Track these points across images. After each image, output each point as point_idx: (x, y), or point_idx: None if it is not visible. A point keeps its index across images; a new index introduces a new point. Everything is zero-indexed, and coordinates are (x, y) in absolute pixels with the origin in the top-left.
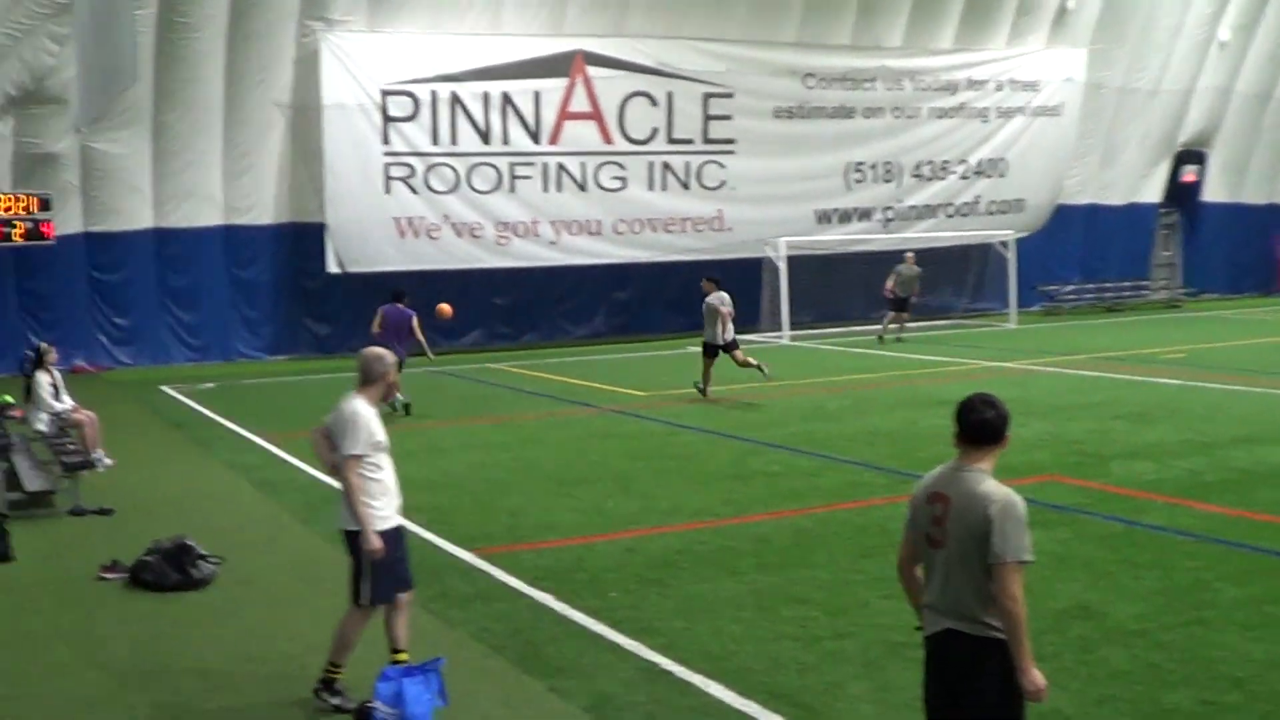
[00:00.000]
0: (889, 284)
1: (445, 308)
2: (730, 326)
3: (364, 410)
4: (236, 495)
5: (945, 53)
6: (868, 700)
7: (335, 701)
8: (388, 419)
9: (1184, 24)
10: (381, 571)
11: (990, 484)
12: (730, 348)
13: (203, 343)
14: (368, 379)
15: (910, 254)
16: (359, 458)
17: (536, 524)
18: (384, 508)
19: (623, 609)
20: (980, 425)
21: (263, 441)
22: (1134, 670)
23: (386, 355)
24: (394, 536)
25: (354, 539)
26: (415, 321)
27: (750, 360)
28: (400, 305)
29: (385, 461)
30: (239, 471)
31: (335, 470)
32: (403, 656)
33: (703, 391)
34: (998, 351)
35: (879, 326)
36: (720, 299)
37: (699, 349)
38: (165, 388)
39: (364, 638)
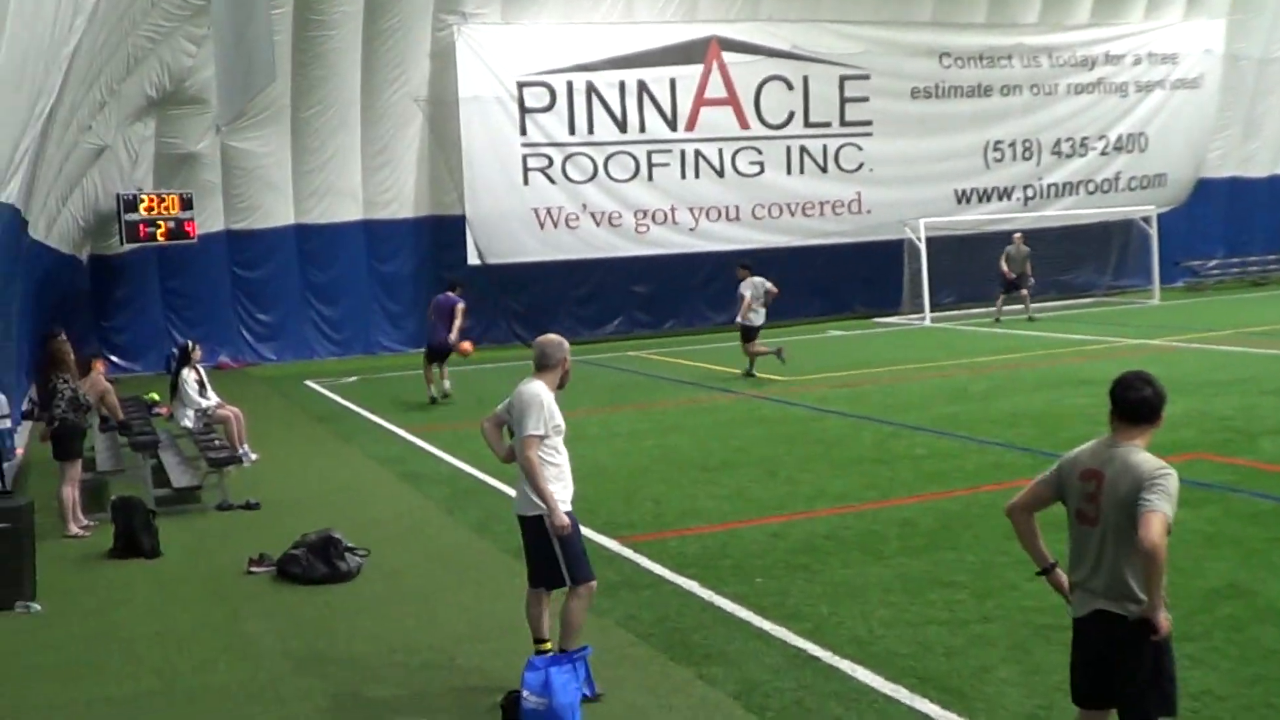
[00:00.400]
0: (1002, 265)
1: (466, 346)
2: (751, 313)
3: (545, 393)
4: (381, 488)
5: (1082, 27)
6: (1015, 684)
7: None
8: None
9: None
10: (579, 547)
11: (1145, 455)
12: (747, 335)
13: (345, 337)
14: (546, 364)
15: (1018, 234)
16: (540, 438)
17: (681, 511)
18: (559, 492)
19: (769, 595)
20: (1137, 403)
21: (406, 434)
22: None
23: (565, 341)
24: (573, 521)
25: (536, 525)
26: (459, 308)
27: (762, 349)
28: (451, 294)
29: (563, 447)
30: (383, 464)
31: (507, 458)
32: (547, 646)
33: (779, 355)
34: (1141, 329)
35: (1015, 307)
36: (749, 284)
37: (840, 333)
38: (308, 382)
39: (509, 627)
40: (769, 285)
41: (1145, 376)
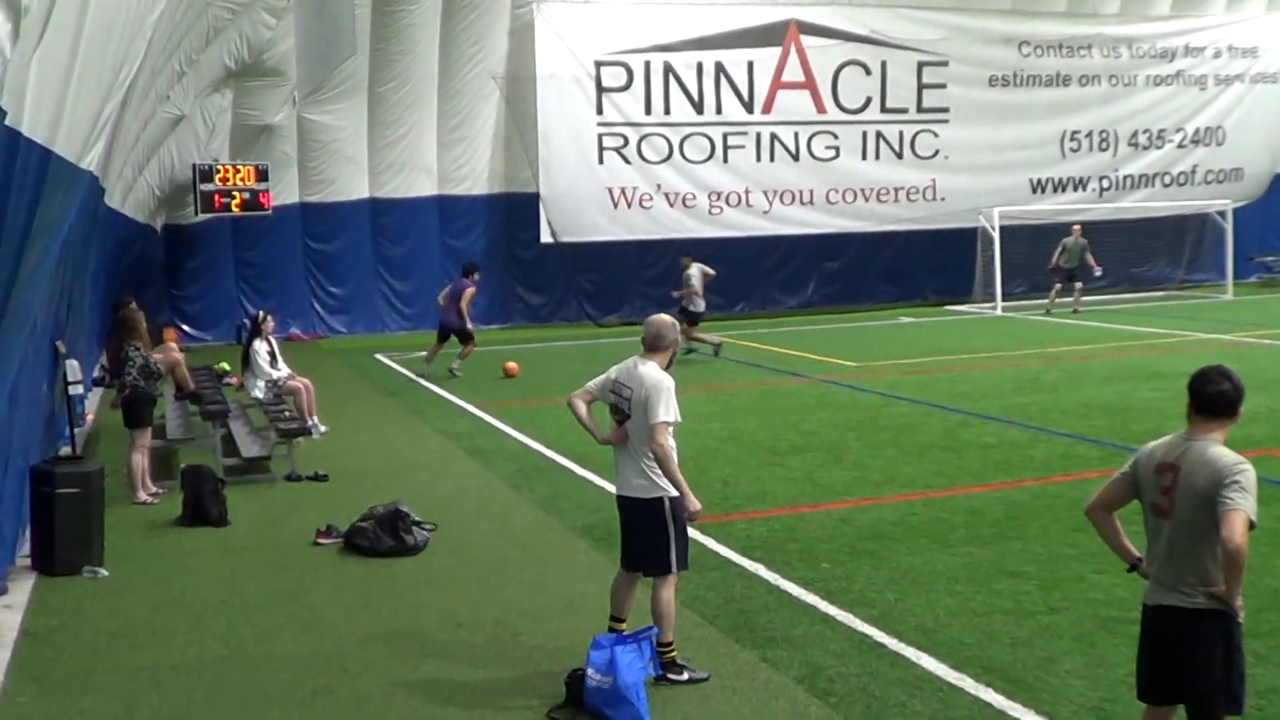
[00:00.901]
0: (1055, 257)
1: (512, 366)
2: (698, 298)
3: (669, 378)
4: (449, 463)
5: (1163, 19)
6: (1080, 676)
7: (686, 677)
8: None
9: None
10: (686, 537)
11: (1222, 449)
12: (693, 320)
13: (416, 312)
14: (659, 345)
15: (1077, 226)
16: (673, 424)
17: (748, 494)
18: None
19: (835, 580)
20: (1216, 397)
21: (475, 410)
22: None
23: (676, 323)
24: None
25: (652, 508)
26: (466, 292)
27: (703, 338)
28: (466, 279)
29: None
30: (451, 439)
31: (609, 440)
32: (623, 626)
33: (715, 351)
34: (1214, 323)
35: (1073, 299)
36: (697, 272)
37: (911, 320)
38: (379, 356)
39: (574, 604)
40: (708, 270)
41: (1224, 370)
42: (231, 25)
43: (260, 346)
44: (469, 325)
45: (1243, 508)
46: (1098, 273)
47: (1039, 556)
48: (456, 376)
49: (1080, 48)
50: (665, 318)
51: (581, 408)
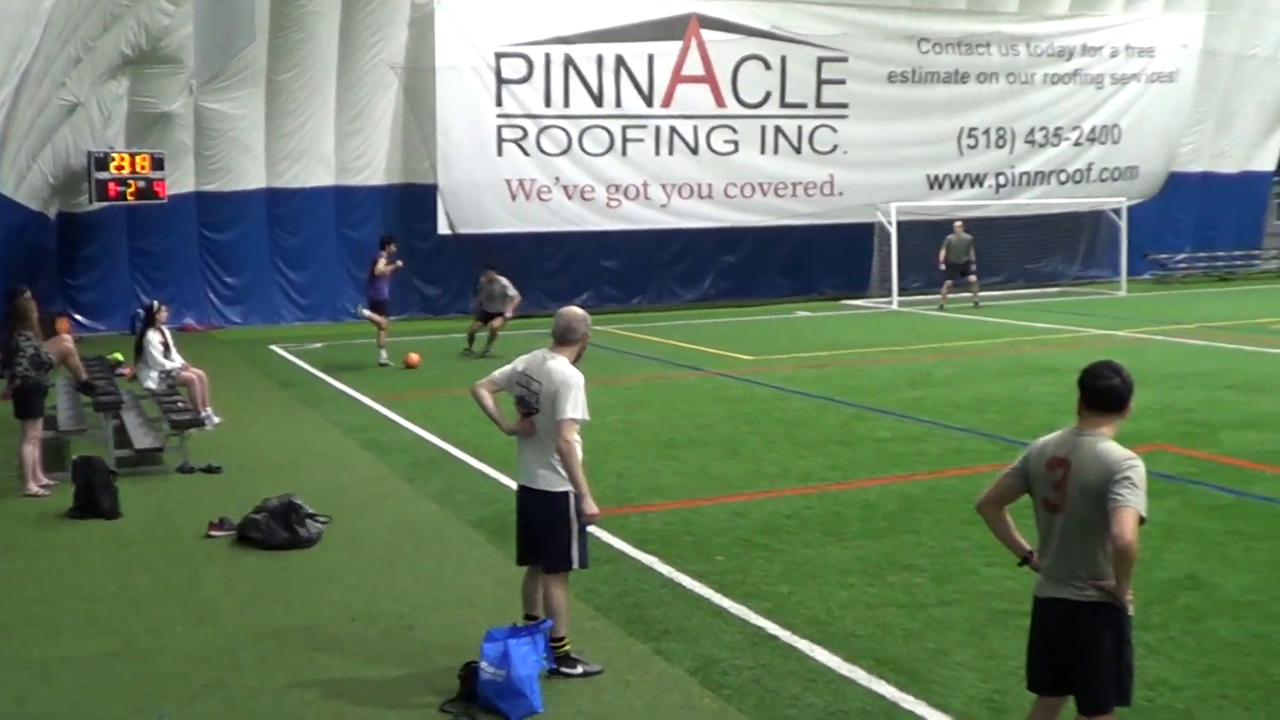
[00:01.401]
0: (941, 254)
1: (414, 357)
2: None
3: (580, 375)
4: (344, 455)
5: (1061, 18)
6: (972, 668)
7: (579, 670)
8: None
9: None
10: (586, 534)
11: (1112, 445)
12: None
13: (312, 303)
14: (570, 338)
15: (959, 222)
16: (581, 422)
17: (643, 487)
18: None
19: (729, 573)
20: (1106, 392)
21: (370, 402)
22: (1242, 641)
23: (588, 315)
24: None
25: (558, 502)
26: (377, 264)
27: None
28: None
29: None
30: (346, 431)
31: (515, 431)
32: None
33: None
34: (1108, 319)
35: (972, 294)
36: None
37: (808, 314)
38: (274, 347)
39: (468, 597)
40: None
41: (1114, 366)
42: (129, 11)
43: (154, 337)
44: (378, 297)
45: (1133, 504)
46: (973, 268)
47: (932, 549)
48: (386, 365)
49: (979, 45)
50: (576, 310)
51: (487, 399)
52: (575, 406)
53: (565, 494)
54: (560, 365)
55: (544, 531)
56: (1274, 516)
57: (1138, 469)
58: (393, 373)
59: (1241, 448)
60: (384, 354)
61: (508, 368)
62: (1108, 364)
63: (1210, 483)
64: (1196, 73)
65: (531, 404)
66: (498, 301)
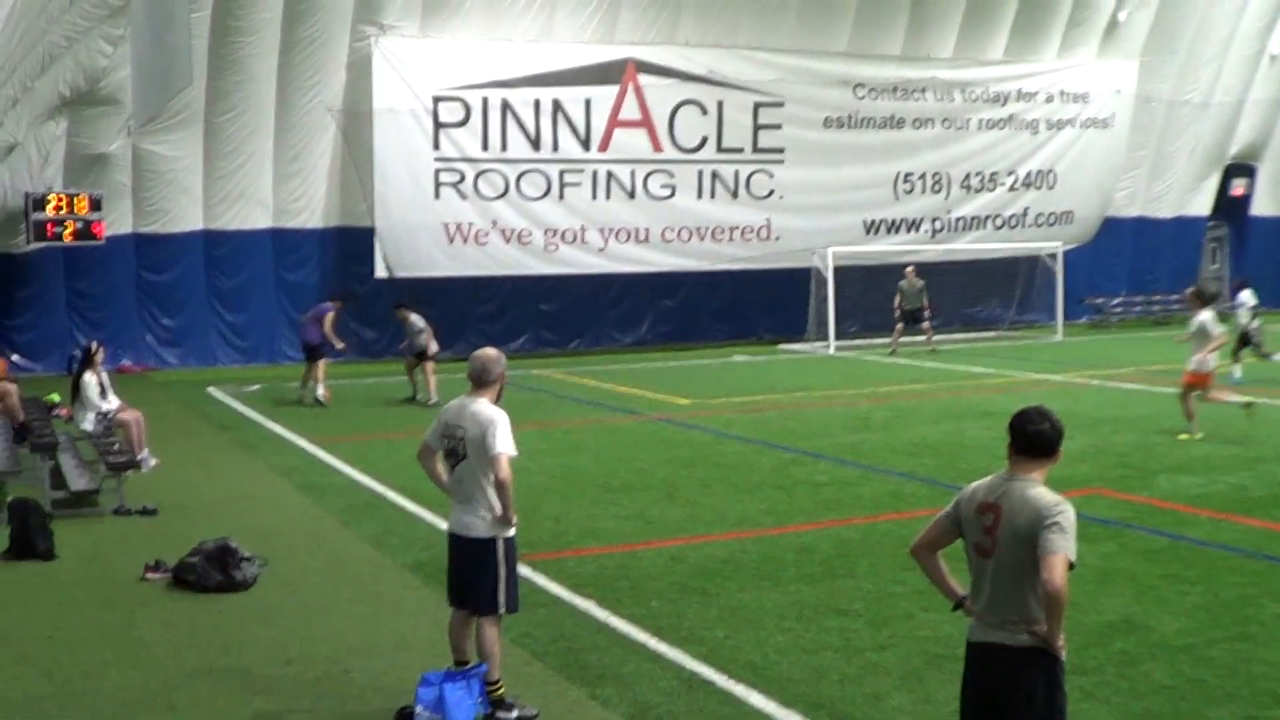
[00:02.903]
0: (896, 300)
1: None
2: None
3: (503, 412)
4: (280, 498)
5: (996, 64)
6: (907, 712)
7: (515, 714)
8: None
9: (1234, 37)
10: (517, 578)
11: (1042, 490)
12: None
13: (249, 345)
14: (486, 379)
15: (910, 268)
16: (512, 457)
17: (580, 531)
18: None
19: (665, 617)
20: (1035, 437)
21: (307, 444)
22: (1177, 685)
23: (503, 356)
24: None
25: (485, 547)
26: (327, 317)
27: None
28: (328, 302)
29: None
30: (282, 474)
31: (440, 482)
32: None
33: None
34: (1044, 364)
35: (918, 338)
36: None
37: (745, 358)
38: (211, 389)
39: (404, 641)
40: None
41: (1043, 411)
42: (68, 52)
43: (90, 378)
44: (331, 343)
45: (1062, 549)
46: (925, 314)
47: (868, 594)
48: (324, 405)
49: (915, 91)
50: (491, 351)
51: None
52: (505, 441)
53: (494, 539)
54: (482, 406)
55: (474, 576)
56: (1209, 560)
57: (1067, 514)
58: (330, 416)
59: (1176, 491)
60: (320, 389)
61: (433, 426)
62: (1037, 409)
63: (1146, 526)
64: (1131, 118)
65: (460, 451)
66: (422, 337)
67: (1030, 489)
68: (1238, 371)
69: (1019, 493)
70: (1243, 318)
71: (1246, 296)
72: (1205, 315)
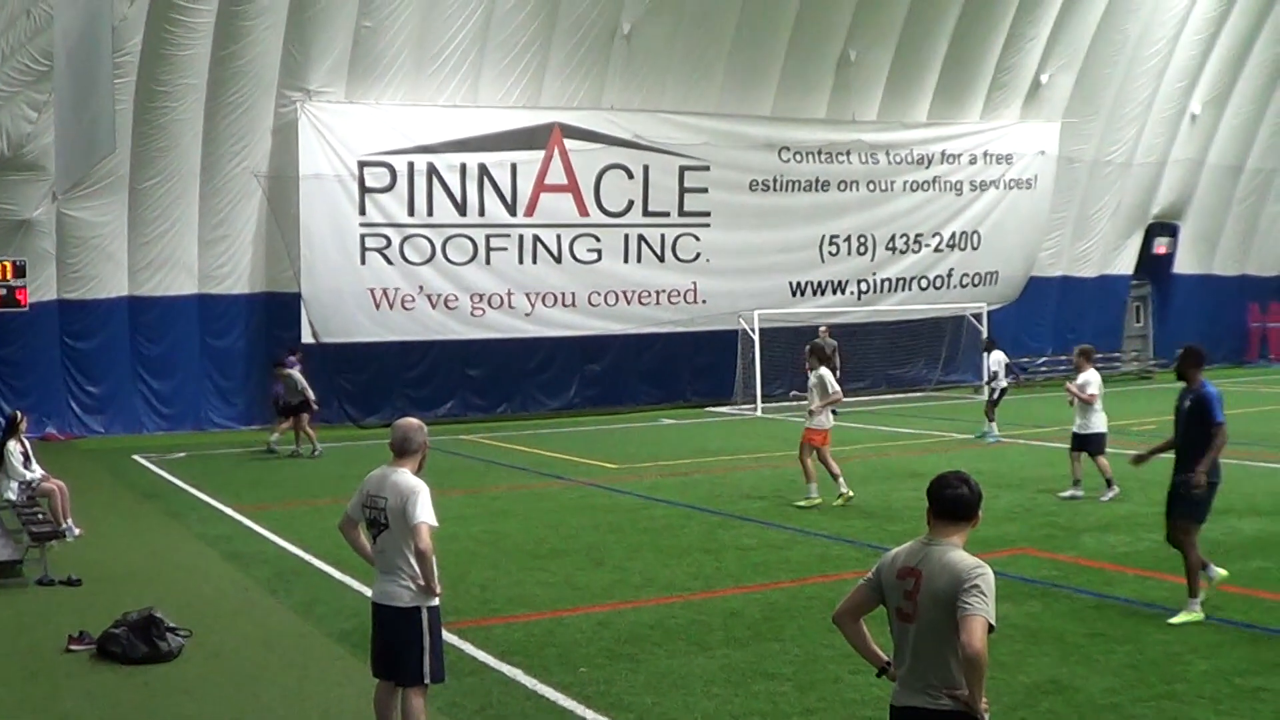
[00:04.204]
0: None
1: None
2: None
3: (423, 483)
4: (206, 567)
5: (920, 126)
6: None
7: None
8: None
9: (1156, 97)
10: (442, 647)
11: (961, 553)
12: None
13: (175, 412)
14: (408, 449)
15: (824, 327)
16: (433, 528)
17: (507, 597)
18: None
19: (593, 684)
20: (954, 501)
21: (233, 512)
22: None
23: (424, 425)
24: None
25: (409, 617)
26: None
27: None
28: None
29: None
30: (208, 543)
31: (363, 552)
32: None
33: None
34: (970, 423)
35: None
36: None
37: (672, 421)
38: (136, 457)
39: (332, 711)
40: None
41: (962, 475)
42: None
43: (14, 447)
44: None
45: (981, 613)
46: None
47: (796, 657)
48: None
49: (839, 153)
50: (413, 421)
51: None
52: (426, 511)
53: (418, 609)
54: (404, 477)
55: (398, 647)
56: (1135, 618)
57: (986, 577)
58: (255, 484)
59: (1102, 550)
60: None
61: (355, 497)
62: (955, 473)
63: (1072, 586)
64: (1054, 179)
65: (381, 521)
66: (297, 393)
67: (949, 553)
68: (995, 430)
69: (938, 557)
70: (1002, 381)
71: (1000, 357)
72: (824, 371)
